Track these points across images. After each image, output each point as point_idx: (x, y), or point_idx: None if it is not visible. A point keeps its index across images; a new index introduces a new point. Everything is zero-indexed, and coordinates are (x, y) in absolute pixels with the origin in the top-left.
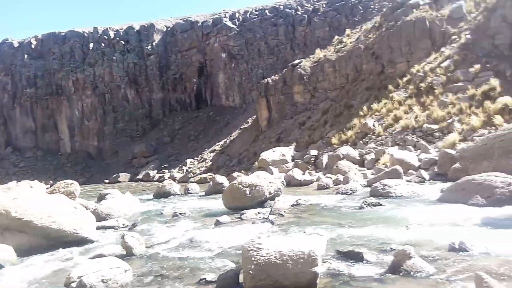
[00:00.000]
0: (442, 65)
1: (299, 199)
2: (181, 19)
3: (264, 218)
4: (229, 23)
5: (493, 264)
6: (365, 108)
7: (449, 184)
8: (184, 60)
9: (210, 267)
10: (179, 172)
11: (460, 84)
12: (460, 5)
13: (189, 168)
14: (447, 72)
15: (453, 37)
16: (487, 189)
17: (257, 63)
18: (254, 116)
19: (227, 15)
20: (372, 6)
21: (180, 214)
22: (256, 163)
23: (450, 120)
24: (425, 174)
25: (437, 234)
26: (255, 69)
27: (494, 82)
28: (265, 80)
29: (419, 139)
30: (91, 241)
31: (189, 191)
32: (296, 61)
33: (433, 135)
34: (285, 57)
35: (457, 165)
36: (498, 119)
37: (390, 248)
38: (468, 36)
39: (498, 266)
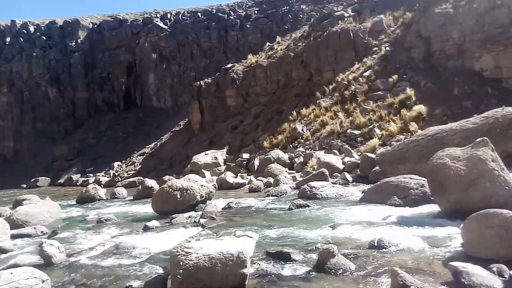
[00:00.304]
0: (364, 74)
1: (231, 202)
2: (108, 17)
3: (195, 221)
4: (161, 24)
5: (407, 259)
6: (294, 113)
7: (369, 185)
8: (112, 59)
9: (137, 274)
10: (105, 176)
11: (380, 92)
12: (380, 19)
13: (116, 171)
14: (369, 81)
15: (374, 48)
16: (403, 190)
17: (190, 66)
18: (187, 119)
19: (158, 16)
20: (301, 16)
21: (106, 220)
22: (188, 166)
23: (371, 126)
24: (349, 177)
25: (358, 233)
26: (188, 72)
27: (410, 91)
28: (198, 82)
29: (343, 143)
30: (5, 251)
31: (116, 196)
32: (229, 65)
33: (356, 140)
34: (218, 60)
35: (377, 168)
36: (413, 126)
37: (316, 247)
38: (388, 48)
39: (412, 261)
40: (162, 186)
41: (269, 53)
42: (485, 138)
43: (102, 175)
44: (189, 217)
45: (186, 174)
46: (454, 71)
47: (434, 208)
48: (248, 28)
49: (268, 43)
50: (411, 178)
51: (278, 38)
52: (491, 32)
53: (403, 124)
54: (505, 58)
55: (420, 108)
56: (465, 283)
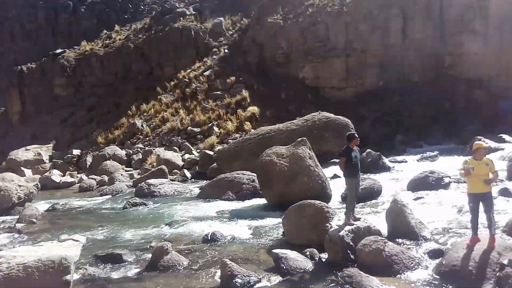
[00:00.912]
0: (205, 73)
1: (56, 203)
2: None
3: (10, 227)
4: None
5: (237, 250)
6: (134, 108)
7: (207, 182)
8: None
9: None
10: None
11: (219, 92)
12: (220, 21)
13: None
14: (209, 80)
15: (214, 49)
16: (236, 186)
17: (9, 47)
18: (3, 108)
19: None
20: (142, 7)
21: None
22: (4, 163)
23: (210, 124)
24: (188, 173)
25: (194, 228)
26: (6, 54)
27: (245, 93)
28: (19, 67)
29: (183, 140)
30: None
31: None
32: (59, 51)
33: (196, 137)
34: (45, 44)
35: (214, 164)
36: (247, 125)
37: (150, 246)
38: (226, 50)
39: (241, 251)
40: None
41: (107, 41)
42: (304, 138)
43: None
44: (2, 222)
45: (1, 172)
46: (282, 77)
47: (262, 201)
48: (83, 13)
49: (105, 31)
50: (244, 174)
51: (117, 27)
52: (312, 45)
53: (239, 123)
54: (322, 69)
55: (254, 109)
56: (284, 267)
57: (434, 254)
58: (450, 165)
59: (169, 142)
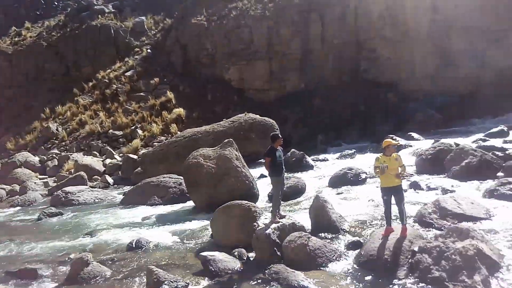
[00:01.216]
0: (127, 74)
1: None
2: None
3: None
4: None
5: (163, 256)
6: (47, 110)
7: (131, 187)
8: None
9: None
10: None
11: (142, 94)
12: (142, 21)
13: None
14: (131, 81)
15: (136, 49)
16: (163, 189)
17: None
18: None
19: None
20: (56, 3)
21: None
22: None
23: (133, 127)
24: (110, 179)
25: (117, 236)
26: None
27: (170, 95)
28: None
29: (104, 144)
30: None
31: None
32: None
33: (118, 141)
34: None
35: (139, 169)
36: (173, 127)
37: (69, 258)
38: (149, 50)
39: (168, 257)
40: None
41: (16, 39)
42: (231, 139)
43: None
44: None
45: None
46: (208, 78)
47: (190, 204)
48: None
49: (14, 28)
50: (170, 178)
51: (28, 24)
52: (236, 47)
53: (164, 125)
54: (247, 71)
55: (180, 111)
56: (213, 269)
57: (354, 245)
58: (366, 162)
59: (88, 146)
